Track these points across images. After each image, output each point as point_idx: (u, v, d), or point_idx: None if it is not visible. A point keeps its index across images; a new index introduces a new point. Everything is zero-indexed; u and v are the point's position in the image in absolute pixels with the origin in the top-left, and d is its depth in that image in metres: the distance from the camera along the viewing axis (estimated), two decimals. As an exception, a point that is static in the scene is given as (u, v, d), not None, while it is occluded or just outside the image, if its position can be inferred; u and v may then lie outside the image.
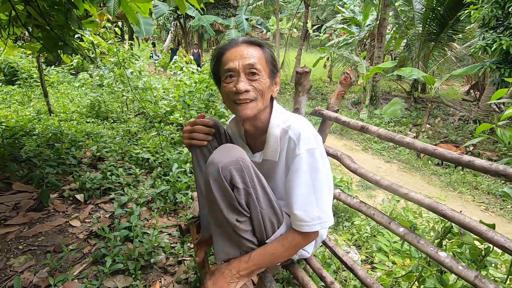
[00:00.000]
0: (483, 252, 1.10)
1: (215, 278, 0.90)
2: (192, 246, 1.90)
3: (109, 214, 2.21)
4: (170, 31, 17.94)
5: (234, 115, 1.13)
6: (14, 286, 1.43)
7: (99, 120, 4.26)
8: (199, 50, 13.36)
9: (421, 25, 10.72)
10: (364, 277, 1.01)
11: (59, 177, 2.60)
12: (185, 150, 2.77)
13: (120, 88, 4.55)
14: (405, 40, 12.69)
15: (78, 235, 1.98)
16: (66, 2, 2.39)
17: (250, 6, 17.38)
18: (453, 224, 1.12)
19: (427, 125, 8.62)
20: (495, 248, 0.95)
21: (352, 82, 1.39)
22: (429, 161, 6.42)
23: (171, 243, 1.88)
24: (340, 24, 18.07)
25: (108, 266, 1.57)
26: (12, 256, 1.75)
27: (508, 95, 6.88)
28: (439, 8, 9.48)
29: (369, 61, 13.24)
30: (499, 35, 6.00)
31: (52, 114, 4.11)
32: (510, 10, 5.54)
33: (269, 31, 16.79)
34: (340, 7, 18.24)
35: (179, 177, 2.52)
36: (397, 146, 7.36)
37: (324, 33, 26.17)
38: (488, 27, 6.41)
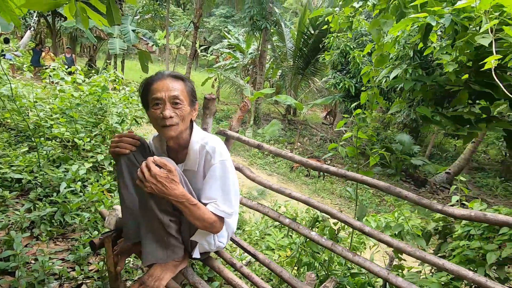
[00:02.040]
0: (336, 231, 1.61)
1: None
2: (91, 268, 1.81)
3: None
4: (31, 28, 14.96)
5: (155, 134, 1.29)
6: None
7: None
8: (73, 55, 11.75)
9: (292, 60, 12.89)
10: (263, 259, 1.33)
11: None
12: (73, 168, 2.52)
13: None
14: (280, 71, 14.93)
15: None
16: None
17: (137, 17, 16.60)
18: (318, 213, 1.59)
19: (298, 143, 10.31)
20: (344, 225, 1.45)
21: (249, 109, 1.75)
22: (300, 173, 7.72)
23: (66, 268, 1.74)
24: (226, 48, 19.41)
25: (-14, 304, 1.35)
26: None
27: (349, 122, 9.10)
28: (304, 49, 11.71)
29: (252, 85, 14.77)
30: (344, 77, 8.00)
31: None
32: (349, 59, 7.50)
33: (157, 45, 16.40)
34: (226, 33, 19.72)
35: (66, 197, 2.30)
36: (276, 161, 8.52)
37: (211, 54, 27.36)
38: (336, 70, 8.42)
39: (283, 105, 14.67)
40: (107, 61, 11.81)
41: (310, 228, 1.58)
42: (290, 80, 13.16)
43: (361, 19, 2.18)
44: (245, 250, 1.36)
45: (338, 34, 6.88)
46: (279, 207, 3.56)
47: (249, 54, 16.31)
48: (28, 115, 3.47)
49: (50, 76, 3.60)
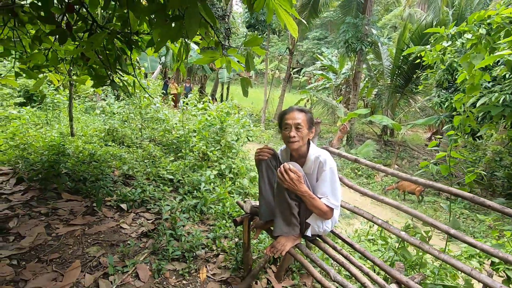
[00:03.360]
0: (427, 237, 1.82)
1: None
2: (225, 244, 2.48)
3: (151, 220, 2.73)
4: (161, 63, 18.88)
5: (282, 147, 1.85)
6: (108, 262, 1.94)
7: (115, 144, 4.77)
8: (191, 85, 14.26)
9: (389, 78, 12.38)
10: (359, 248, 1.68)
11: (102, 190, 3.09)
12: (207, 173, 3.38)
13: (134, 117, 5.15)
14: (376, 90, 14.43)
15: (130, 234, 2.49)
16: (118, 49, 3.09)
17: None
18: (409, 221, 1.83)
19: (395, 165, 9.74)
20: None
21: (348, 131, 2.15)
22: (397, 196, 7.34)
23: (210, 241, 2.45)
24: (319, 70, 19.87)
25: (170, 253, 2.12)
26: (85, 246, 2.23)
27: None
28: (404, 66, 11.16)
29: (344, 105, 14.71)
30: (450, 95, 7.37)
31: (73, 137, 4.59)
32: (457, 76, 6.92)
33: (255, 71, 18.23)
34: (319, 55, 20.31)
35: (202, 194, 3.11)
36: (370, 182, 8.30)
37: (303, 76, 28.25)
38: (442, 87, 7.82)
39: (379, 126, 14.05)
40: (215, 88, 13.88)
41: (402, 230, 1.84)
42: (387, 99, 12.60)
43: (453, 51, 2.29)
44: (344, 240, 1.74)
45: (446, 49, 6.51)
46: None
47: (342, 74, 16.38)
48: (172, 133, 4.68)
49: (187, 104, 4.77)
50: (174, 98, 13.25)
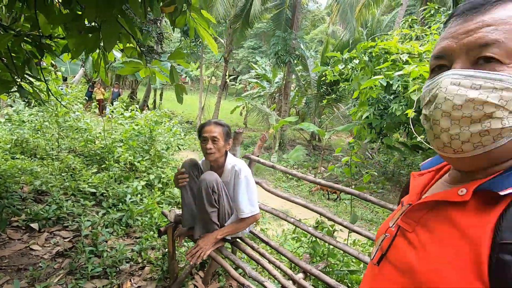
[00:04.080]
0: (332, 231, 2.12)
1: (204, 240, 1.64)
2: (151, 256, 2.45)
3: (68, 238, 2.54)
4: (83, 66, 17.23)
5: (203, 158, 1.95)
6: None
7: (26, 156, 4.24)
8: (120, 90, 13.37)
9: (316, 88, 13.55)
10: (275, 246, 1.88)
11: (6, 210, 2.75)
12: (134, 184, 3.27)
13: (49, 126, 4.66)
14: (305, 98, 15.61)
15: (43, 256, 2.28)
16: (27, 52, 2.83)
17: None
18: (318, 217, 2.11)
19: (322, 168, 10.67)
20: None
21: (267, 139, 2.37)
22: (323, 196, 8.08)
23: (135, 254, 2.40)
24: (254, 78, 20.57)
25: (90, 271, 2.02)
26: (-16, 275, 1.98)
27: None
28: (326, 78, 12.34)
29: (278, 112, 15.53)
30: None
31: (-32, 149, 3.94)
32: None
33: (191, 78, 17.99)
34: (253, 64, 21.06)
35: (128, 206, 3.01)
36: (300, 184, 8.95)
37: (240, 84, 28.86)
38: (356, 98, 8.92)
39: (308, 132, 15.16)
40: (147, 94, 13.28)
41: (312, 226, 2.11)
42: (314, 107, 13.76)
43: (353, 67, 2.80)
44: (260, 239, 1.92)
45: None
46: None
47: (276, 83, 17.27)
48: (95, 143, 4.38)
49: (113, 112, 4.54)
50: (98, 105, 12.21)
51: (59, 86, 4.83)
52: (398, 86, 2.02)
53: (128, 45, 2.42)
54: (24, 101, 5.30)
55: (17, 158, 4.05)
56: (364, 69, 2.23)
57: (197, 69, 25.94)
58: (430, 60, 0.55)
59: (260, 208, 2.17)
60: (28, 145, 4.32)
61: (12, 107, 5.68)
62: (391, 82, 2.00)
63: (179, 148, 4.28)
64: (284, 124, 9.44)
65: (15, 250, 2.29)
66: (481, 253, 0.42)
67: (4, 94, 3.07)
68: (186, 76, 19.77)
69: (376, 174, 2.40)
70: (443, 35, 0.52)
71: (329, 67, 2.75)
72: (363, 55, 2.21)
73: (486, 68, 0.47)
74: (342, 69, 2.56)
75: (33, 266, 2.11)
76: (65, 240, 2.51)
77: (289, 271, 1.59)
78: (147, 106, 14.64)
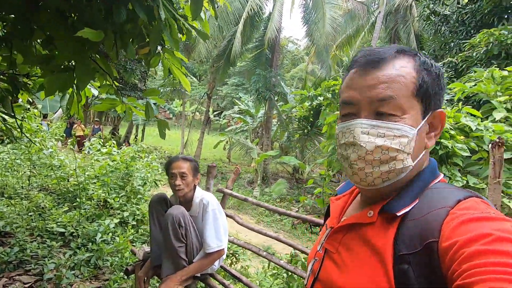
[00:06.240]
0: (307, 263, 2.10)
1: (166, 283, 1.57)
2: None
3: (29, 283, 2.37)
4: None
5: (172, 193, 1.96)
6: None
7: (-8, 196, 4.03)
8: (100, 126, 13.26)
9: (296, 123, 13.95)
10: (247, 282, 1.84)
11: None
12: (106, 222, 3.15)
13: (21, 163, 4.52)
14: (287, 133, 15.98)
15: (-2, 305, 2.11)
16: (2, 90, 2.84)
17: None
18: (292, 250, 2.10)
19: (305, 200, 10.65)
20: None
21: (240, 173, 2.41)
22: (306, 230, 7.97)
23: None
24: (237, 113, 21.02)
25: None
26: None
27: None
28: (306, 113, 12.80)
29: (261, 146, 15.71)
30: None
31: None
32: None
33: (174, 114, 18.18)
34: (237, 100, 21.66)
35: (99, 246, 2.88)
36: (282, 219, 8.84)
37: (223, 119, 29.33)
38: (334, 132, 9.24)
39: (291, 165, 15.31)
40: (130, 130, 13.21)
41: (286, 260, 2.09)
42: (296, 141, 14.06)
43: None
44: (232, 274, 1.88)
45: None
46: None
47: (258, 118, 17.70)
48: (68, 181, 4.26)
49: (89, 148, 4.48)
50: (75, 142, 11.97)
51: (35, 124, 4.77)
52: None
53: (104, 82, 2.49)
54: (-5, 138, 5.17)
55: (-19, 198, 3.85)
56: (330, 105, 2.39)
57: (181, 105, 26.35)
58: (339, 102, 0.64)
59: (233, 242, 2.15)
60: (-6, 184, 4.13)
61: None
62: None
63: (156, 184, 4.22)
64: (265, 157, 9.54)
65: (-34, 299, 2.11)
66: (387, 264, 0.50)
67: (-26, 131, 3.01)
68: (170, 112, 19.97)
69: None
70: (348, 82, 0.63)
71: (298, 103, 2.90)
72: (326, 92, 2.38)
73: (386, 119, 0.57)
74: (309, 105, 2.72)
75: (-15, 317, 1.94)
76: (25, 285, 2.34)
77: (259, 308, 1.55)
78: (128, 142, 14.49)
